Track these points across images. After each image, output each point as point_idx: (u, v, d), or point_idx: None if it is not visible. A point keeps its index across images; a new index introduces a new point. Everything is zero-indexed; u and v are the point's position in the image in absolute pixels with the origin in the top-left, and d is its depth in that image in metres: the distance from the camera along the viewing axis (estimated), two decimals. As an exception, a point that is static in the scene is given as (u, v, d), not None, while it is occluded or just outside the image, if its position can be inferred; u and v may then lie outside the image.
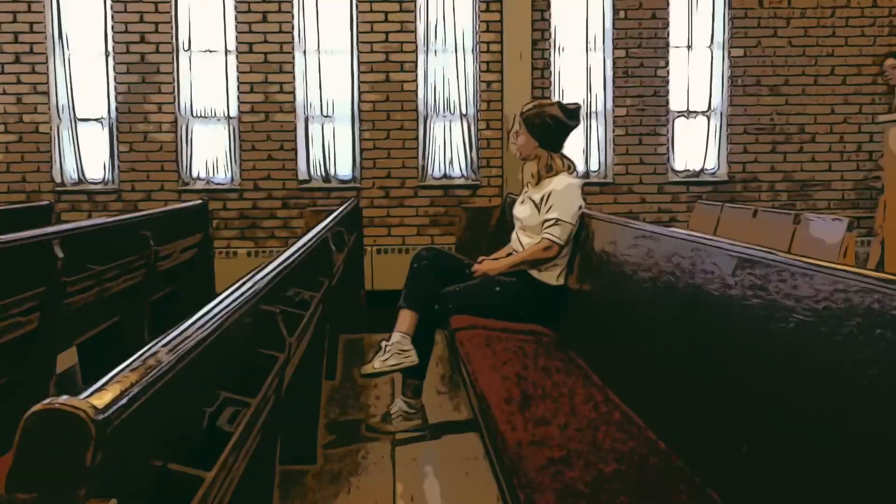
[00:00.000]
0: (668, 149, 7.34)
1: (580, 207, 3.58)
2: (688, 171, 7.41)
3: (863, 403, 1.41)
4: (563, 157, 3.69)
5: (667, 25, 7.24)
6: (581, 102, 5.10)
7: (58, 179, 7.04)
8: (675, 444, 2.08)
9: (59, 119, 7.04)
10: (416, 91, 7.13)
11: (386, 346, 3.53)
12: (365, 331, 5.48)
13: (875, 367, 1.39)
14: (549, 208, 3.56)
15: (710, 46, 7.36)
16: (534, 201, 3.63)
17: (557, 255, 3.55)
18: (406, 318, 3.59)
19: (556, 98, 7.12)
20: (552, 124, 3.64)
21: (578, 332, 3.32)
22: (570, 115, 3.66)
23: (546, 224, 3.55)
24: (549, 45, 7.19)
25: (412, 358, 3.52)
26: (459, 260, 3.88)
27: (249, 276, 1.94)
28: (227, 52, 7.08)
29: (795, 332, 1.63)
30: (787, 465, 1.59)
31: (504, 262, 3.69)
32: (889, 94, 7.23)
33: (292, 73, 7.08)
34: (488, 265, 3.72)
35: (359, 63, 7.10)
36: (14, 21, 6.93)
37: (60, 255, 2.89)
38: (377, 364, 3.51)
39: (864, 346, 1.42)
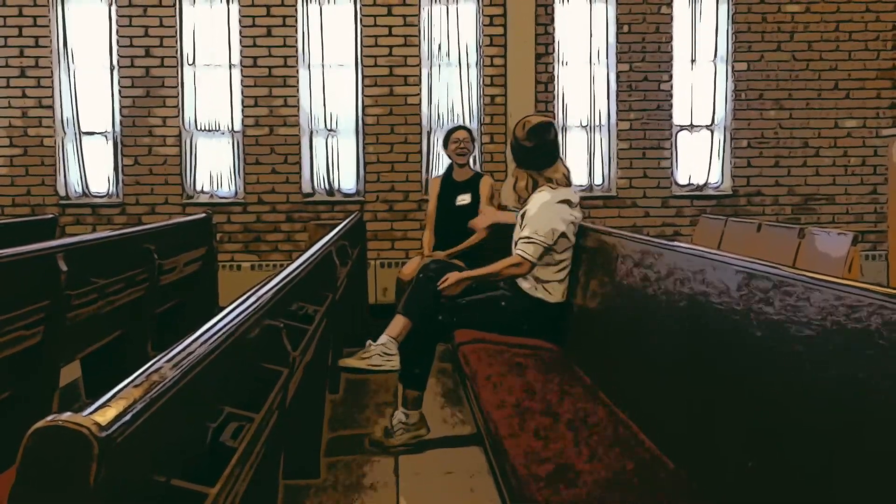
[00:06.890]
0: (671, 162, 7.33)
1: (560, 226, 3.51)
2: (691, 184, 7.40)
3: (869, 420, 1.40)
4: (541, 174, 3.62)
5: (670, 39, 7.25)
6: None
7: (62, 193, 7.06)
8: (681, 459, 2.07)
9: (64, 132, 7.06)
10: (419, 105, 7.14)
11: (371, 345, 3.52)
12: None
13: (880, 383, 1.38)
14: (525, 226, 3.55)
15: (713, 60, 7.36)
16: (521, 217, 3.63)
17: (528, 272, 3.53)
18: (398, 324, 3.58)
19: (559, 111, 7.15)
20: (513, 143, 3.65)
21: (582, 347, 3.32)
22: (527, 136, 3.58)
23: (520, 241, 3.54)
24: (553, 59, 7.19)
25: (394, 363, 3.51)
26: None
27: (253, 290, 1.94)
28: (231, 65, 7.10)
29: (800, 346, 1.62)
30: (793, 481, 1.58)
31: (473, 273, 3.65)
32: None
33: (296, 86, 7.09)
34: (455, 277, 3.60)
35: (363, 77, 7.12)
36: (20, 35, 6.96)
37: (64, 268, 2.89)
38: (356, 360, 3.50)
39: (869, 361, 1.41)
